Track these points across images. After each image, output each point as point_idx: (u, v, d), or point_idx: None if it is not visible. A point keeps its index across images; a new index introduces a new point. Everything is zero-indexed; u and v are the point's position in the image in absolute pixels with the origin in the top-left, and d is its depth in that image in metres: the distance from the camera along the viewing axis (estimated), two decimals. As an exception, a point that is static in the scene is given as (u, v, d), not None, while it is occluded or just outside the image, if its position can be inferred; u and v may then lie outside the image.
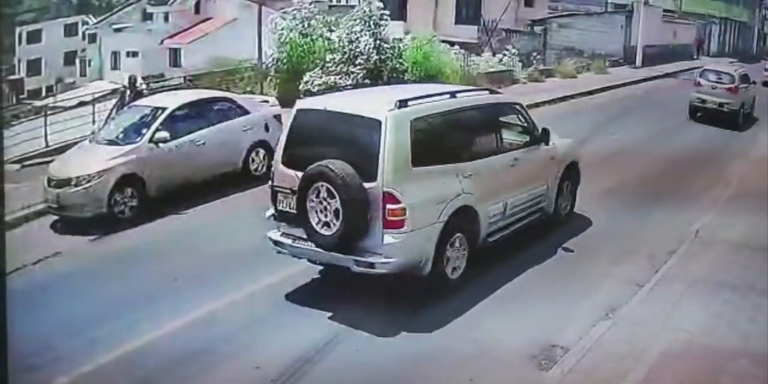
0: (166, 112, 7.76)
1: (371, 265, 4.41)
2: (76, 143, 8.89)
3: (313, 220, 4.43)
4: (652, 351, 4.55)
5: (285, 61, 14.53)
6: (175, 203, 7.50)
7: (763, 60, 19.69)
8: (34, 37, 31.37)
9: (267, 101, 9.89)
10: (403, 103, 4.62)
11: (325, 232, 4.40)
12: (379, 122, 4.42)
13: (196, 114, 8.12)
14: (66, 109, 14.08)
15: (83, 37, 31.76)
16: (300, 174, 4.51)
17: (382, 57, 14.49)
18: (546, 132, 5.92)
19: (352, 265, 4.47)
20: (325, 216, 4.40)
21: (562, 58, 21.20)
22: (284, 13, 14.99)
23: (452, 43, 16.53)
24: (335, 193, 4.33)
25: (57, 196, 7.14)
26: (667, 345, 4.63)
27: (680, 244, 6.40)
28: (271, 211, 4.87)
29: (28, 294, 5.52)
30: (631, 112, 12.61)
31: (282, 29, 14.59)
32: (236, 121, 8.37)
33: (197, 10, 28.18)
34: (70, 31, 32.38)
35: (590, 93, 16.90)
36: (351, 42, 14.44)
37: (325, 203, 4.39)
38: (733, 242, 6.42)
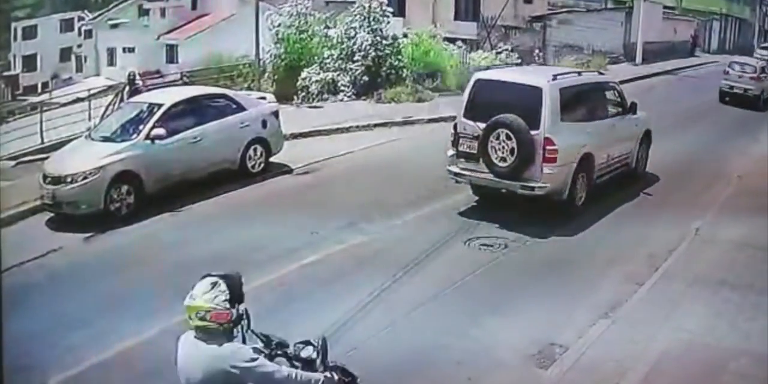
0: (163, 109, 7.69)
1: (532, 189, 6.34)
2: (71, 140, 8.82)
3: (493, 156, 6.29)
4: (651, 350, 4.53)
5: (282, 57, 14.45)
6: (172, 201, 7.45)
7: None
8: (29, 33, 31.16)
9: (264, 98, 9.83)
10: (555, 77, 6.73)
11: (501, 164, 6.29)
12: (541, 89, 6.33)
13: (193, 111, 8.05)
14: (62, 105, 13.98)
15: (79, 33, 31.56)
16: (480, 125, 6.31)
17: (380, 53, 14.43)
18: (634, 104, 7.81)
19: (517, 188, 6.39)
20: (503, 153, 6.24)
21: (561, 54, 21.14)
22: (282, 9, 14.90)
23: (451, 40, 16.44)
24: (512, 136, 6.17)
25: (52, 193, 7.07)
26: (667, 344, 4.61)
27: (680, 241, 6.42)
28: (452, 151, 6.77)
29: (22, 292, 5.47)
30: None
31: (279, 25, 14.51)
32: (233, 118, 8.31)
33: (194, 6, 28.02)
34: (66, 26, 32.17)
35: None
36: (349, 38, 14.37)
37: (503, 144, 6.21)
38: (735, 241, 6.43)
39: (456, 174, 6.75)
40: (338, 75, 14.17)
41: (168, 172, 7.54)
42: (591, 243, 6.23)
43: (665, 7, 25.30)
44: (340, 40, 14.42)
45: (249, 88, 13.61)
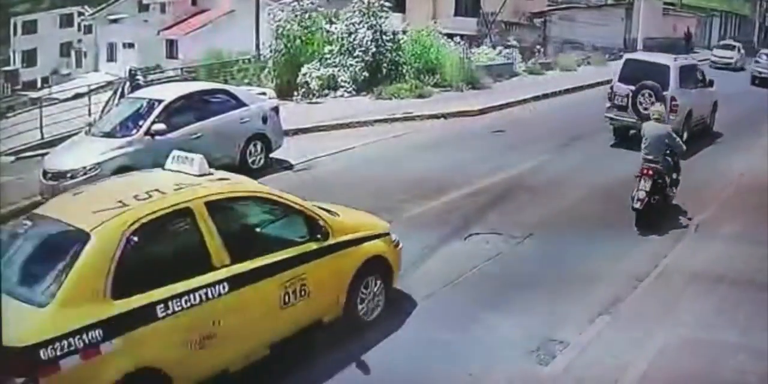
0: (163, 104, 7.67)
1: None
2: (71, 135, 8.82)
3: (641, 106, 9.45)
4: (651, 346, 4.54)
5: (283, 52, 14.42)
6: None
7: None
8: (29, 28, 31.09)
9: (264, 93, 9.81)
10: (675, 59, 10.44)
11: (644, 111, 8.93)
12: (669, 66, 9.79)
13: (193, 106, 8.02)
14: (62, 101, 13.96)
15: (79, 28, 31.49)
16: (630, 87, 9.68)
17: (381, 49, 14.39)
18: (711, 81, 11.06)
19: None
20: (646, 103, 9.21)
21: (561, 50, 21.08)
22: (283, 4, 14.84)
23: (451, 36, 16.40)
24: (652, 94, 9.40)
25: (53, 189, 7.05)
26: (667, 340, 4.62)
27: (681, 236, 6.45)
28: (609, 104, 10.09)
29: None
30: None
31: (280, 21, 14.46)
32: (233, 114, 8.29)
33: (194, 2, 27.93)
34: (66, 21, 32.10)
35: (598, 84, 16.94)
36: (350, 34, 14.33)
37: (649, 98, 9.34)
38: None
39: (611, 118, 10.09)
40: (338, 71, 14.15)
41: (168, 168, 7.53)
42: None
43: (665, 3, 25.24)
44: (340, 35, 14.38)
45: (249, 84, 13.59)
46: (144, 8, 28.38)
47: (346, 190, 7.86)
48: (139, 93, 8.80)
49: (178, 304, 3.38)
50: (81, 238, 3.27)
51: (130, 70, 11.37)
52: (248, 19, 15.19)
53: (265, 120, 8.61)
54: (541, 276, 5.61)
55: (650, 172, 6.46)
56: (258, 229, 4.02)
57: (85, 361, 3.08)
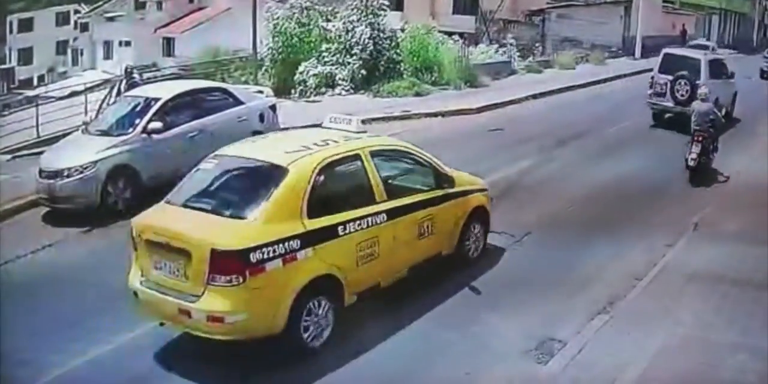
0: (160, 103, 7.61)
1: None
2: (68, 134, 8.76)
3: (677, 93, 11.10)
4: (650, 345, 4.52)
5: (280, 50, 14.36)
6: (169, 195, 7.40)
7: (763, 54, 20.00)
8: (25, 26, 30.94)
9: (262, 92, 9.76)
10: (705, 53, 12.78)
11: (680, 97, 11.03)
12: (701, 60, 11.46)
13: (190, 105, 7.97)
14: (58, 99, 13.88)
15: (75, 26, 31.34)
16: (668, 76, 11.27)
17: (379, 47, 14.34)
18: (733, 73, 12.38)
19: (688, 109, 9.47)
20: (682, 92, 11.03)
21: (560, 48, 21.05)
22: (280, 2, 14.78)
23: (450, 34, 16.36)
24: (688, 83, 10.93)
25: (49, 188, 7.02)
26: (666, 339, 4.60)
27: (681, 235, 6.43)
28: (650, 90, 11.57)
29: (18, 287, 5.45)
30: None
31: (278, 18, 14.40)
32: (230, 112, 8.24)
33: (191, -1, 27.79)
34: (62, 19, 31.95)
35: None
36: (347, 32, 14.28)
37: (682, 87, 11.03)
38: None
39: (652, 104, 11.68)
40: (336, 69, 14.10)
41: (165, 167, 7.47)
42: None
43: (664, 1, 25.21)
44: (338, 33, 14.34)
45: (246, 82, 13.54)
46: (140, 6, 28.26)
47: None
48: (135, 91, 8.73)
49: (352, 226, 4.36)
50: (279, 171, 4.22)
51: (127, 68, 11.30)
52: (245, 16, 15.10)
53: (262, 118, 8.57)
54: (541, 275, 5.59)
55: (700, 138, 8.25)
56: (402, 176, 5.06)
57: (285, 266, 3.98)
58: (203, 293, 3.87)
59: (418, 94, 13.84)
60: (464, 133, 11.04)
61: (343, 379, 4.02)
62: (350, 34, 14.24)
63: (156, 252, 4.10)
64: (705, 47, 18.77)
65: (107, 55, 27.85)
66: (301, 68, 14.05)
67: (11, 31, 30.58)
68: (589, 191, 7.80)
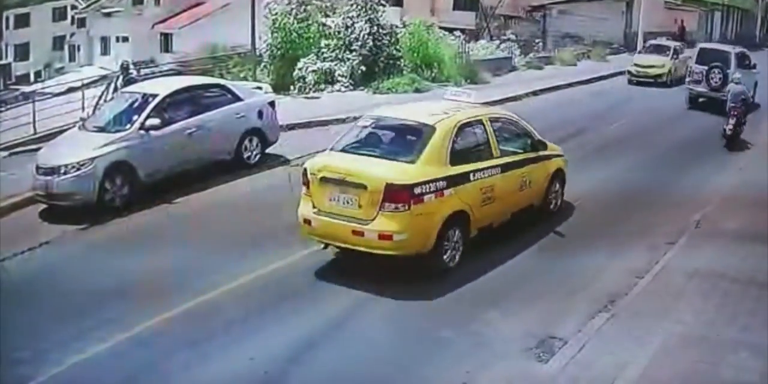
0: (158, 99, 7.55)
1: (724, 94, 11.34)
2: (65, 130, 8.69)
3: (711, 80, 12.86)
4: (651, 343, 4.50)
5: (279, 46, 14.27)
6: (167, 192, 7.35)
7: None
8: (21, 22, 30.74)
9: (260, 88, 9.69)
10: (734, 47, 14.39)
11: (714, 84, 12.79)
12: (731, 53, 13.53)
13: (188, 101, 7.91)
14: (55, 95, 13.79)
15: (72, 22, 31.15)
16: (704, 67, 13.09)
17: (378, 43, 14.26)
18: (755, 64, 14.00)
19: (720, 96, 11.77)
20: (715, 79, 12.81)
21: (561, 45, 20.97)
22: (281, -3, 14.65)
23: (450, 30, 16.28)
24: (720, 72, 12.76)
25: (46, 184, 6.96)
26: (667, 337, 4.58)
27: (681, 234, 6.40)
28: (689, 79, 13.38)
29: (15, 284, 5.40)
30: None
31: (276, 14, 14.30)
32: (229, 109, 8.19)
33: (189, -5, 27.62)
34: (59, 15, 31.76)
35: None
36: (347, 28, 14.19)
37: (716, 75, 12.83)
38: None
39: (690, 88, 13.41)
40: (335, 65, 14.02)
41: (163, 163, 7.44)
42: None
43: (666, -3, 25.09)
44: (337, 29, 14.24)
45: (245, 78, 13.46)
46: (138, 1, 28.11)
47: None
48: (133, 87, 8.67)
49: (479, 175, 5.65)
50: (429, 129, 5.50)
51: (123, 64, 11.21)
52: (244, 12, 14.99)
53: (261, 115, 8.52)
54: (540, 275, 5.57)
55: (735, 113, 10.18)
56: (509, 139, 6.28)
57: (436, 199, 5.25)
58: (375, 218, 5.07)
59: (417, 91, 13.78)
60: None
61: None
62: (350, 30, 14.14)
63: (331, 187, 5.27)
64: (664, 50, 16.49)
65: (104, 51, 27.70)
66: (300, 64, 13.96)
67: (8, 27, 30.40)
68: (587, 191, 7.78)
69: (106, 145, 7.10)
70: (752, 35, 30.31)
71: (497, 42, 18.47)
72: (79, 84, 13.05)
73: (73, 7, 30.97)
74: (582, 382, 4.10)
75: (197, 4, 27.12)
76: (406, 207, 5.04)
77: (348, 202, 5.17)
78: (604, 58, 20.33)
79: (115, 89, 10.13)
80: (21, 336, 4.54)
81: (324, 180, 5.29)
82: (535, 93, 14.60)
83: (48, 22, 31.35)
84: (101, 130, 7.46)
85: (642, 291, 5.30)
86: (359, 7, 14.24)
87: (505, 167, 5.92)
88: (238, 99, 8.35)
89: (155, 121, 7.35)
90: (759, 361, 4.29)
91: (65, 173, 6.89)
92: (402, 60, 14.60)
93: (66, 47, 31.22)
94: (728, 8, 30.53)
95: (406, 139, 5.58)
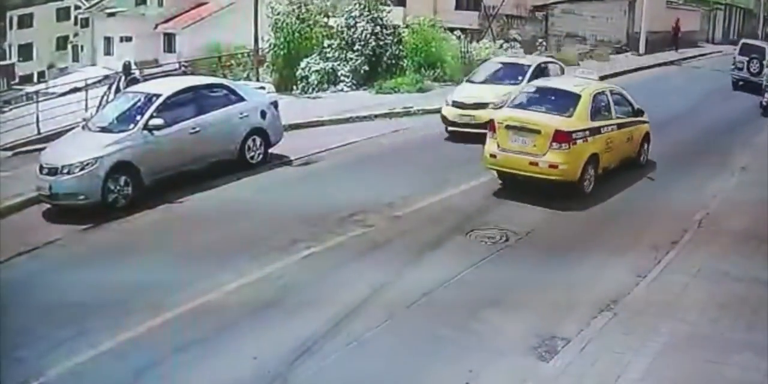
0: (161, 99, 7.57)
1: (761, 79, 13.85)
2: (68, 130, 8.71)
3: (751, 68, 15.49)
4: (654, 342, 4.48)
5: (282, 46, 14.27)
6: (170, 192, 7.37)
7: None
8: (25, 22, 30.83)
9: (263, 88, 9.71)
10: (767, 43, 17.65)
11: (753, 71, 15.39)
12: (765, 48, 16.04)
13: (191, 101, 7.93)
14: (58, 95, 13.84)
15: (75, 22, 31.22)
16: (745, 57, 15.71)
17: (381, 43, 14.25)
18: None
19: (757, 80, 14.31)
20: (754, 67, 15.44)
21: (563, 44, 20.90)
22: (282, -4, 14.66)
23: (452, 29, 16.24)
24: (758, 61, 15.42)
25: (49, 184, 6.98)
26: (669, 336, 4.56)
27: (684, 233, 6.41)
28: (732, 66, 15.96)
29: (18, 284, 5.42)
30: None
31: (279, 14, 14.31)
32: (232, 109, 8.20)
33: (192, -5, 27.62)
34: (63, 15, 31.83)
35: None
36: (349, 27, 14.18)
37: (755, 63, 15.48)
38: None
39: (733, 74, 15.68)
40: (338, 64, 14.01)
41: (166, 163, 7.45)
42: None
43: (669, -3, 24.98)
44: (340, 29, 14.24)
45: (248, 78, 13.47)
46: (141, 1, 28.12)
47: (345, 185, 7.80)
48: (136, 87, 8.68)
49: (605, 129, 7.73)
50: (576, 95, 7.68)
51: (125, 64, 11.22)
52: (247, 12, 15.01)
53: (263, 115, 8.52)
54: (540, 274, 5.56)
55: None
56: (619, 106, 8.24)
57: (583, 143, 7.37)
58: (546, 153, 7.15)
59: (420, 90, 13.75)
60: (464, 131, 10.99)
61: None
62: (352, 30, 14.13)
63: (512, 132, 7.33)
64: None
65: (108, 51, 27.73)
66: (302, 64, 13.95)
67: (11, 27, 30.49)
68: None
69: (109, 145, 7.11)
70: (755, 35, 30.13)
71: (500, 42, 18.41)
72: (82, 84, 13.09)
73: (77, 7, 31.02)
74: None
75: (200, 5, 27.14)
76: (568, 146, 7.14)
77: (525, 142, 7.26)
78: (606, 58, 20.24)
79: (117, 90, 10.14)
80: (23, 335, 4.55)
81: (508, 127, 7.36)
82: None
83: (51, 23, 31.42)
84: (105, 130, 7.47)
85: (645, 290, 5.27)
86: (362, 7, 14.23)
87: (619, 126, 8.00)
88: (241, 99, 8.36)
89: (158, 121, 7.36)
90: (763, 361, 4.27)
91: (69, 173, 6.90)
92: (405, 59, 14.58)
93: (69, 47, 31.29)
94: (730, 8, 30.38)
95: (564, 101, 7.63)
